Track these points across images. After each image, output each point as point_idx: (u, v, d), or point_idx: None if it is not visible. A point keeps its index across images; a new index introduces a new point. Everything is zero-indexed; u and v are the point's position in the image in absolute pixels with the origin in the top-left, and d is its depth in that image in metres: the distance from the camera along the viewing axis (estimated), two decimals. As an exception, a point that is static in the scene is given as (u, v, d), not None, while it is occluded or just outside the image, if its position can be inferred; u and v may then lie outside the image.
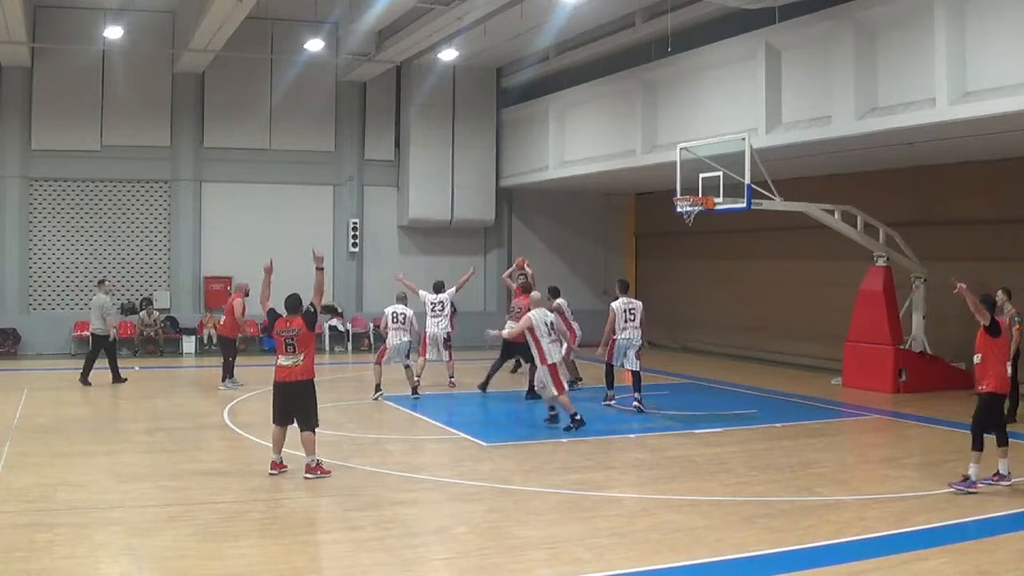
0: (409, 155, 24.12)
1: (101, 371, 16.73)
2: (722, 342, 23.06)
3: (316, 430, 9.69)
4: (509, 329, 13.79)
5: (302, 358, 9.60)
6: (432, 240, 24.94)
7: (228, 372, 16.55)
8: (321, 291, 9.98)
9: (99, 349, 16.80)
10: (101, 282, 18.18)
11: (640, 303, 14.51)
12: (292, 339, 9.62)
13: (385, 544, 7.42)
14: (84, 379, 16.59)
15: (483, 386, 15.96)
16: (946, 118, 12.97)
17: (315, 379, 9.82)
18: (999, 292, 13.39)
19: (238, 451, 11.19)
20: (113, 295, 18.40)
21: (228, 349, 16.72)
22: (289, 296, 9.91)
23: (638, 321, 14.26)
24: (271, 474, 9.63)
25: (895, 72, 13.94)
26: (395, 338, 15.18)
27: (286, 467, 9.77)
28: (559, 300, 16.29)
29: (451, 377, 16.51)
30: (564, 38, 21.16)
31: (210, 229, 23.04)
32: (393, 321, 15.22)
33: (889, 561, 7.04)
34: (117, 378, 16.90)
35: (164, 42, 21.66)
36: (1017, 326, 12.84)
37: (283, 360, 9.67)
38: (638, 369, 14.26)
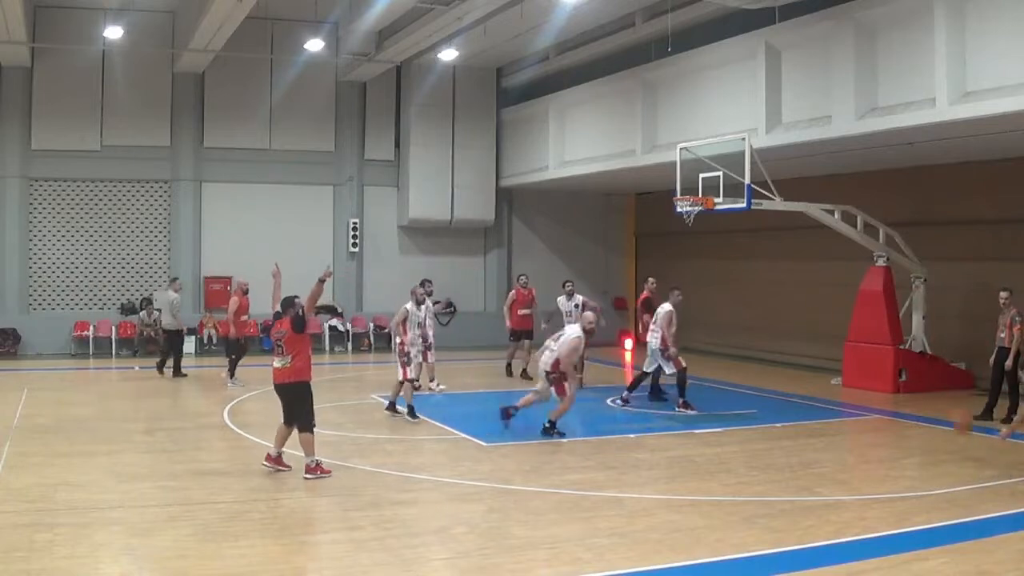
0: (409, 155, 24.12)
1: (108, 370, 16.80)
2: (722, 342, 23.05)
3: (315, 430, 9.72)
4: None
5: (290, 360, 9.69)
6: (432, 240, 24.93)
7: (231, 370, 16.69)
8: (315, 300, 10.00)
9: (173, 344, 17.84)
10: (174, 280, 19.02)
11: (663, 308, 14.44)
12: (280, 341, 9.78)
13: (385, 544, 7.42)
14: (177, 372, 17.67)
15: (655, 397, 15.23)
16: (946, 118, 12.96)
17: (311, 380, 9.84)
18: (1002, 292, 13.38)
19: (238, 451, 11.18)
20: (181, 292, 19.01)
21: (229, 347, 16.91)
22: (285, 298, 10.05)
23: (656, 326, 14.45)
24: (263, 466, 9.69)
25: (895, 72, 13.94)
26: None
27: (288, 467, 9.79)
28: (578, 297, 16.64)
29: (431, 380, 15.85)
30: (564, 38, 21.15)
31: (210, 229, 23.04)
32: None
33: (889, 561, 7.04)
34: (178, 372, 17.76)
35: (164, 42, 21.66)
36: (1018, 326, 12.84)
37: (275, 362, 9.83)
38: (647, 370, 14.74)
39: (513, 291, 18.31)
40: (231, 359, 16.76)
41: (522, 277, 18.52)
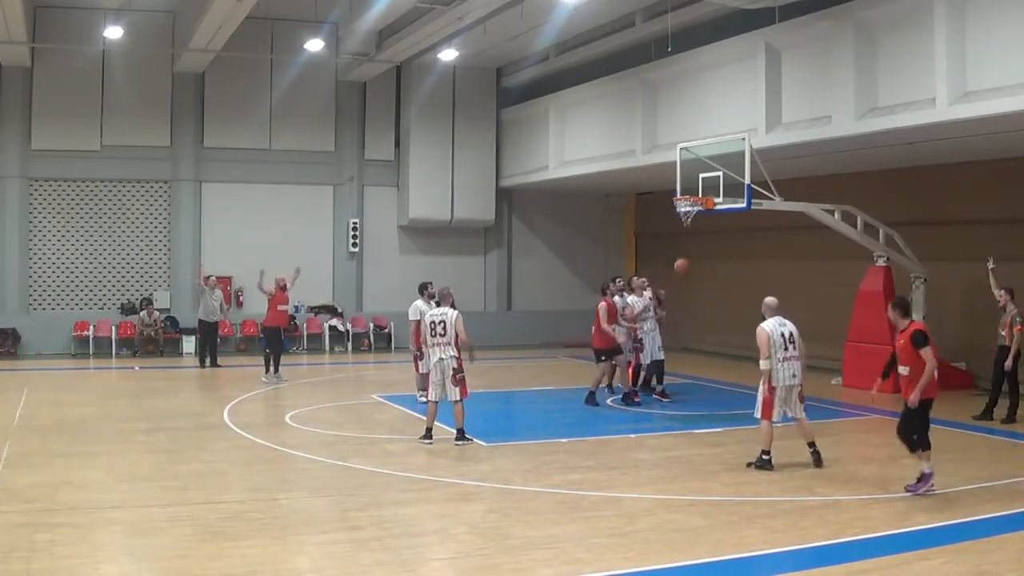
0: (409, 155, 24.12)
1: (108, 370, 16.89)
2: (722, 342, 23.04)
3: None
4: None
5: None
6: (432, 240, 24.93)
7: (270, 365, 17.17)
8: None
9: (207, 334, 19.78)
10: (208, 279, 20.24)
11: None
12: None
13: (385, 544, 7.42)
14: (214, 363, 19.48)
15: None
16: (946, 118, 12.97)
17: None
18: (1003, 292, 13.32)
19: (238, 451, 11.19)
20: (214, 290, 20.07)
21: (268, 342, 17.58)
22: None
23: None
24: None
25: (895, 72, 13.94)
26: (435, 355, 11.42)
27: None
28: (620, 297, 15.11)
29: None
30: (564, 38, 21.16)
31: (210, 229, 23.04)
32: (432, 333, 11.40)
33: (889, 561, 7.04)
34: (215, 362, 19.58)
35: (164, 42, 21.66)
36: (1019, 327, 12.80)
37: None
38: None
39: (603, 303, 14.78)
40: (266, 353, 17.33)
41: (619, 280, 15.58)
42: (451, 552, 7.42)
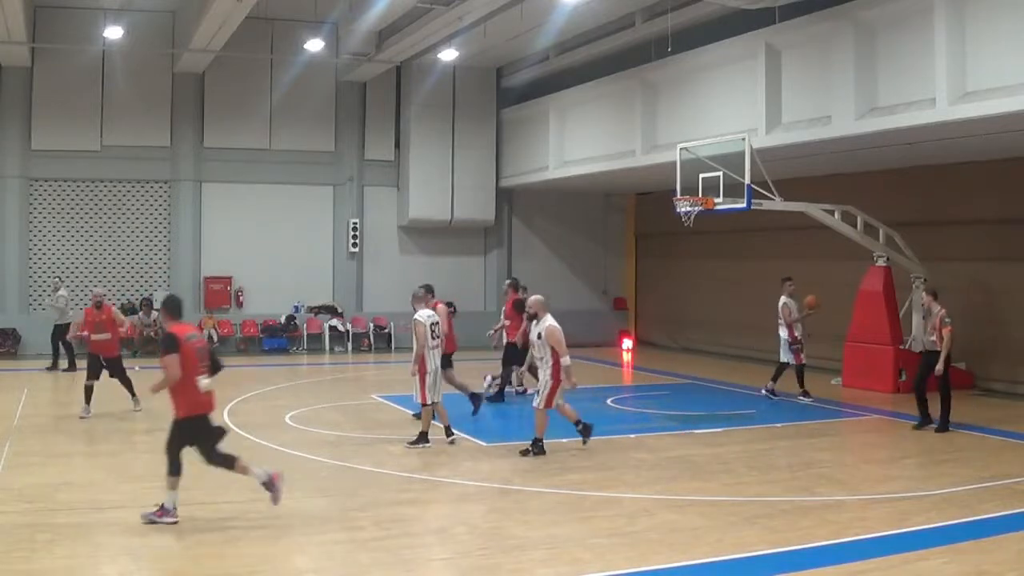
0: (409, 155, 24.11)
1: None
2: (722, 342, 23.05)
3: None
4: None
5: None
6: (432, 240, 24.93)
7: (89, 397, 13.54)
8: None
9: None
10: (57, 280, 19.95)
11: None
12: None
13: (385, 544, 7.43)
14: (55, 366, 18.64)
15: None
16: (946, 118, 12.96)
17: None
18: (924, 294, 13.09)
19: (238, 451, 11.15)
20: (58, 291, 19.42)
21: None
22: None
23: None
24: None
25: (895, 72, 13.94)
26: (435, 360, 11.40)
27: None
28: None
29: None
30: (564, 38, 21.15)
31: (210, 229, 23.04)
32: (433, 336, 11.36)
33: (889, 561, 7.05)
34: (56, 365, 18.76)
35: (164, 42, 21.66)
36: (948, 327, 12.39)
37: None
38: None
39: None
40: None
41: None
42: (451, 552, 7.42)
